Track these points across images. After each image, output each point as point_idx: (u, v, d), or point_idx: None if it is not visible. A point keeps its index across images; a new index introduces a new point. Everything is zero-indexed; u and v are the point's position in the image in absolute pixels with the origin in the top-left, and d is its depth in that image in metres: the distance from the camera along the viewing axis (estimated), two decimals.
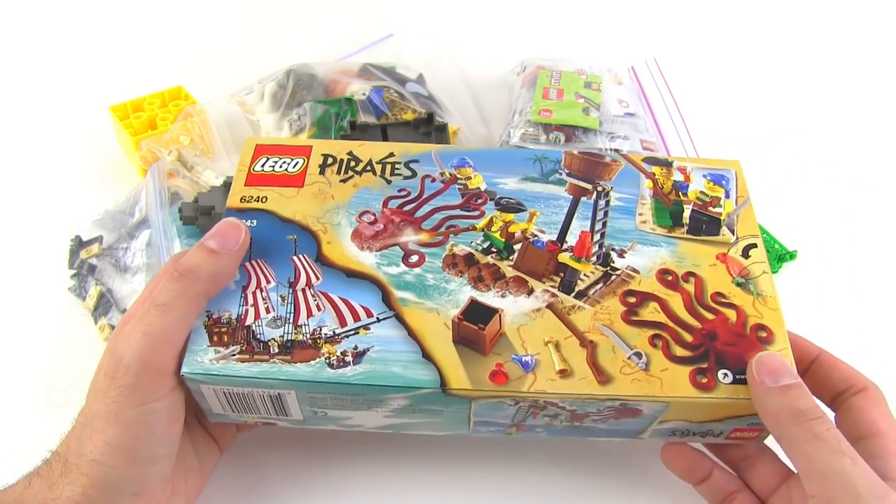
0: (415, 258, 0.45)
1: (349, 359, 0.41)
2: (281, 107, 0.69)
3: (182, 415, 0.41)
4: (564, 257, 0.45)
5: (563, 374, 0.40)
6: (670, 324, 0.43)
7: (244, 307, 0.42)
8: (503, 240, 0.46)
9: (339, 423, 0.44)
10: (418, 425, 0.44)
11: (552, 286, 0.44)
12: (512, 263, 0.45)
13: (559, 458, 0.49)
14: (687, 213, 0.48)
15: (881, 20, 1.01)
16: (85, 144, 0.73)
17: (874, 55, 0.95)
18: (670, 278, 0.44)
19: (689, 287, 0.44)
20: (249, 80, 0.74)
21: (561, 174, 0.49)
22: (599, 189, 0.48)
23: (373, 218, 0.46)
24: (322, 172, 0.49)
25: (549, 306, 0.43)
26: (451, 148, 0.51)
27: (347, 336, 0.42)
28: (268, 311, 0.42)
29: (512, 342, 0.42)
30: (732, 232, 0.47)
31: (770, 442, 0.43)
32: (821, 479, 0.36)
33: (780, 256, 0.65)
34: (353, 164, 0.49)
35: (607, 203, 0.48)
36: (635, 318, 0.43)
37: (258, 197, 0.47)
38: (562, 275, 0.44)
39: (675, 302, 0.43)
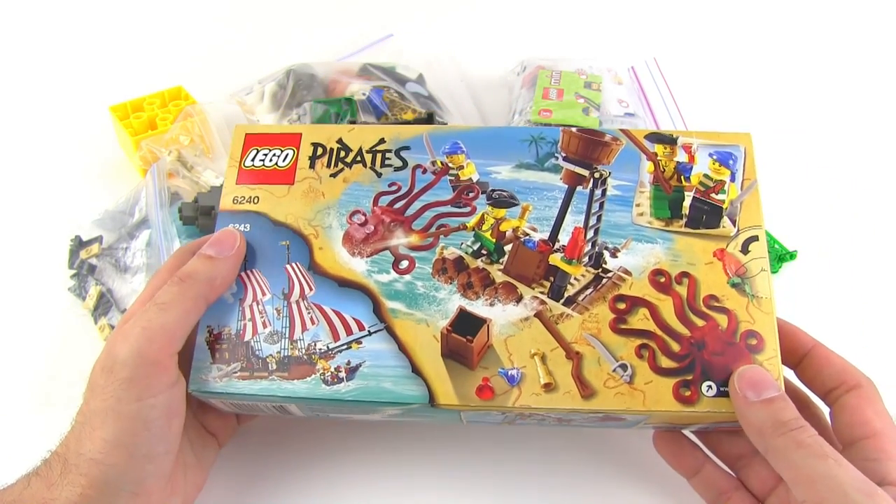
0: (405, 264, 0.45)
1: (343, 375, 0.43)
2: (281, 107, 0.68)
3: (182, 412, 0.41)
4: (556, 259, 0.45)
5: (548, 387, 0.42)
6: (658, 332, 0.43)
7: (242, 322, 0.44)
8: (494, 240, 0.45)
9: (340, 419, 0.47)
10: (414, 421, 0.46)
11: (541, 292, 0.44)
12: (502, 268, 0.45)
13: (557, 446, 0.50)
14: (687, 202, 0.46)
15: (881, 20, 1.00)
16: (85, 144, 0.73)
17: (874, 55, 0.93)
18: (663, 280, 0.44)
19: (682, 290, 0.44)
20: (249, 80, 0.74)
21: (557, 158, 0.47)
22: (597, 176, 0.47)
23: (363, 219, 0.46)
24: (312, 166, 0.48)
25: (538, 315, 0.43)
26: (444, 129, 0.49)
27: (340, 351, 0.43)
28: (265, 325, 0.44)
29: (499, 355, 0.43)
30: (734, 223, 0.45)
31: None
32: (808, 484, 0.37)
33: (780, 256, 0.63)
34: (342, 154, 0.48)
35: (604, 193, 0.46)
36: (623, 327, 0.43)
37: (250, 197, 0.47)
38: (552, 279, 0.44)
39: (666, 307, 0.43)
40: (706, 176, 0.46)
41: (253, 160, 0.48)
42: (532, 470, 0.48)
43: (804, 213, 0.68)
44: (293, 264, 0.45)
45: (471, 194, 0.47)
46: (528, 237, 0.45)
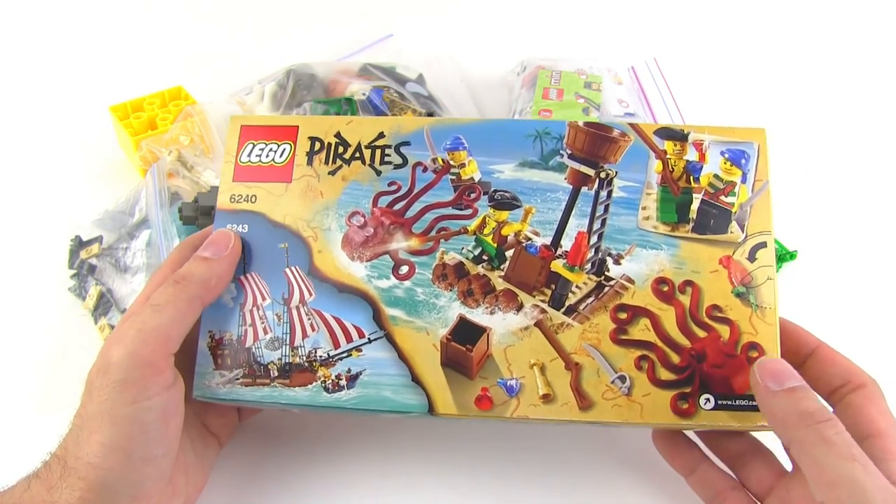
0: (405, 269, 0.45)
1: (343, 382, 0.43)
2: (281, 107, 0.67)
3: (180, 415, 0.41)
4: (557, 266, 0.44)
5: (546, 398, 0.42)
6: (659, 343, 0.42)
7: (243, 327, 0.44)
8: (495, 245, 0.45)
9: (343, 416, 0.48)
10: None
11: (542, 300, 0.44)
12: (503, 274, 0.44)
13: (556, 444, 0.50)
14: (695, 206, 0.44)
15: (881, 21, 1.00)
16: (85, 144, 0.72)
17: (874, 56, 0.94)
18: (666, 289, 0.43)
19: (685, 299, 0.43)
20: (249, 80, 0.73)
21: (562, 156, 0.46)
22: (602, 176, 0.45)
23: (363, 220, 0.45)
24: (310, 162, 0.47)
25: (538, 324, 0.43)
26: (445, 122, 0.47)
27: (341, 358, 0.44)
28: (265, 331, 0.44)
29: (498, 364, 0.43)
30: (742, 228, 0.44)
31: (764, 439, 0.45)
32: (830, 486, 0.36)
33: (780, 256, 0.63)
34: (341, 149, 0.47)
35: (609, 195, 0.45)
36: (624, 337, 0.43)
37: (247, 196, 0.46)
38: (553, 286, 0.44)
39: (668, 317, 0.43)
40: (716, 176, 0.45)
41: (249, 155, 0.47)
42: (532, 468, 0.48)
43: (804, 213, 0.68)
44: (292, 268, 0.45)
45: (472, 195, 0.45)
46: (530, 242, 0.45)
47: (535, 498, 0.47)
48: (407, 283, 0.44)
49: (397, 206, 0.46)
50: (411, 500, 0.47)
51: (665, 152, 0.45)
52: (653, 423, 0.42)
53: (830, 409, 0.42)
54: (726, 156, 0.45)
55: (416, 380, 0.43)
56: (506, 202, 0.45)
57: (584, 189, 0.45)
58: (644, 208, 0.45)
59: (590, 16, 0.99)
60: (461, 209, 0.45)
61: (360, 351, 0.43)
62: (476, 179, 0.46)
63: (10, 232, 0.66)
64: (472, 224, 0.45)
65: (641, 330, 0.43)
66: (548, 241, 0.44)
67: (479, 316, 0.44)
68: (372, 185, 0.46)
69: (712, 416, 0.41)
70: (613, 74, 0.75)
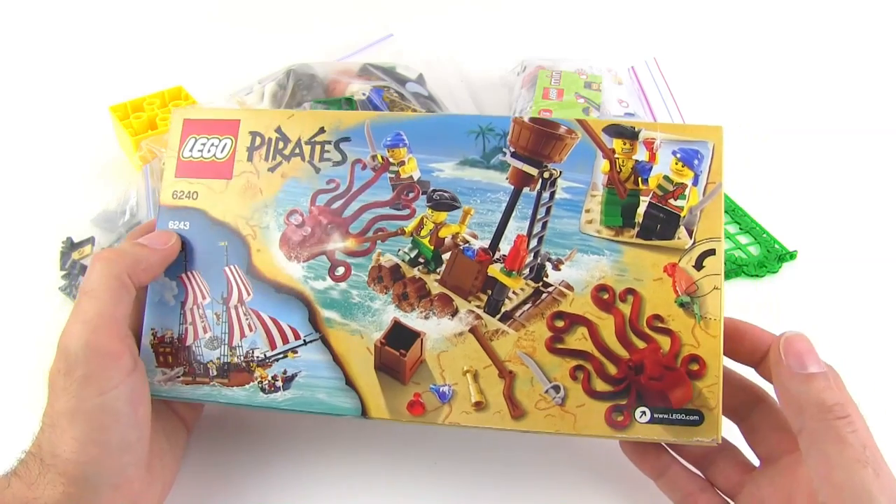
0: (341, 270, 0.44)
1: (279, 384, 0.43)
2: (281, 107, 0.66)
3: (146, 398, 0.41)
4: (494, 270, 0.43)
5: (479, 406, 0.42)
6: (596, 353, 0.41)
7: (184, 326, 0.45)
8: (432, 247, 0.43)
9: None
10: None
11: (478, 306, 0.43)
12: (439, 278, 0.43)
13: (521, 447, 0.49)
14: (642, 209, 0.42)
15: (881, 21, 1.00)
16: (85, 144, 0.73)
17: (874, 55, 0.94)
18: (606, 297, 0.42)
19: (626, 308, 0.41)
20: (249, 80, 0.73)
21: (505, 154, 0.44)
22: (546, 176, 0.43)
23: (300, 219, 0.45)
24: (250, 158, 0.46)
25: (472, 330, 0.42)
26: (387, 117, 0.46)
27: (277, 359, 0.44)
28: (205, 330, 0.45)
29: (431, 370, 0.42)
30: (690, 234, 0.42)
31: (727, 435, 0.43)
32: (836, 489, 0.35)
33: (780, 256, 0.62)
34: (280, 145, 0.46)
35: (552, 196, 0.43)
36: (560, 346, 0.41)
37: (189, 192, 0.46)
38: (489, 292, 0.43)
39: (606, 327, 0.41)
40: (666, 178, 0.42)
41: (191, 150, 0.46)
42: (497, 471, 0.48)
43: (804, 213, 0.67)
44: (231, 266, 0.45)
45: (411, 194, 0.44)
46: (467, 245, 0.43)
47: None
48: (342, 285, 0.44)
49: (335, 205, 0.45)
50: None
51: (613, 151, 0.43)
52: (586, 434, 0.41)
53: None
54: (678, 155, 0.42)
55: (349, 383, 0.43)
56: (444, 203, 0.44)
57: (525, 190, 0.43)
58: (588, 211, 0.43)
59: (590, 16, 0.99)
60: (399, 209, 0.44)
61: (296, 353, 0.43)
62: (415, 178, 0.44)
63: (10, 232, 0.67)
64: (410, 225, 0.44)
65: (578, 339, 0.41)
66: (486, 244, 0.43)
67: (413, 320, 0.43)
68: (310, 183, 0.45)
69: (647, 429, 0.40)
70: (613, 74, 0.75)
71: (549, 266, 0.42)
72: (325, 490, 0.47)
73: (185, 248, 0.45)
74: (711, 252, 0.41)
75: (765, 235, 0.65)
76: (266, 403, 0.43)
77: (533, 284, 0.42)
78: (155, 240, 0.44)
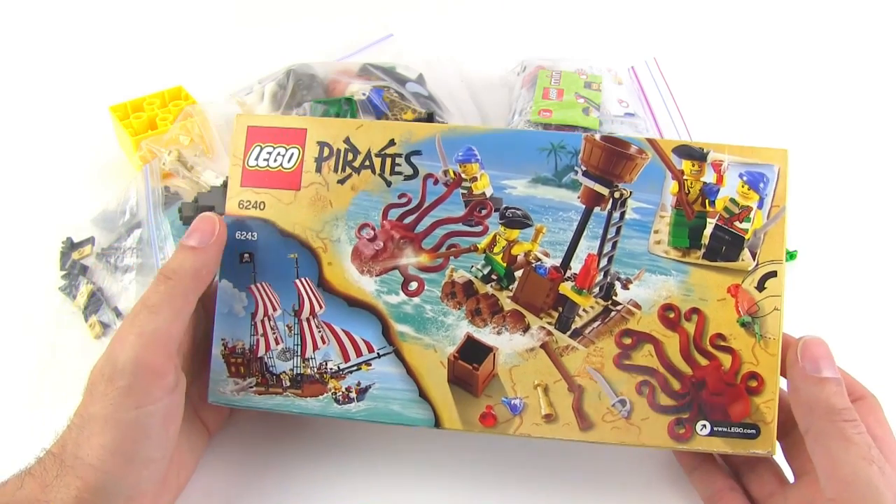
0: (414, 285, 0.45)
1: (353, 395, 0.45)
2: (281, 107, 0.66)
3: (179, 417, 0.42)
4: (566, 288, 0.44)
5: (548, 418, 0.44)
6: (661, 370, 0.43)
7: (255, 337, 0.45)
8: (504, 264, 0.45)
9: None
10: None
11: (549, 322, 0.44)
12: (511, 295, 0.44)
13: (552, 448, 0.50)
14: (708, 231, 0.44)
15: (881, 20, 1.01)
16: (85, 144, 0.72)
17: (874, 55, 0.95)
18: (672, 316, 0.44)
19: (690, 327, 0.43)
20: (249, 80, 0.73)
21: (576, 173, 0.44)
22: (616, 196, 0.44)
23: (372, 233, 0.45)
24: (318, 169, 0.46)
25: (544, 346, 0.44)
26: (458, 130, 0.46)
27: (351, 372, 0.45)
28: (277, 342, 0.45)
29: (503, 384, 0.44)
30: (754, 256, 0.43)
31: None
32: (843, 484, 0.36)
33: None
34: (350, 156, 0.46)
35: (622, 216, 0.44)
36: (627, 362, 0.44)
37: (256, 202, 0.46)
38: (560, 309, 0.44)
39: (671, 344, 0.43)
40: (732, 200, 0.44)
41: (257, 159, 0.46)
42: (531, 468, 0.50)
43: (804, 213, 0.66)
44: (302, 279, 0.45)
45: (483, 211, 0.45)
46: (539, 263, 0.44)
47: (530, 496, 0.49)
48: (416, 300, 0.45)
49: (407, 220, 0.45)
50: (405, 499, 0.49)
51: (682, 172, 0.44)
52: (649, 445, 0.43)
53: None
54: (744, 178, 0.44)
55: (423, 395, 0.44)
56: (517, 220, 0.45)
57: (596, 209, 0.44)
58: (656, 232, 0.44)
59: (590, 16, 0.98)
60: (472, 226, 0.45)
61: (370, 365, 0.45)
62: (488, 195, 0.45)
63: (10, 232, 0.66)
64: (483, 242, 0.45)
65: (645, 356, 0.44)
66: (557, 262, 0.44)
67: (486, 335, 0.44)
68: (382, 197, 0.45)
69: (707, 441, 0.43)
70: (613, 74, 0.75)
71: (618, 285, 0.44)
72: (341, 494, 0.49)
73: (254, 259, 0.46)
74: (773, 274, 0.44)
75: None
76: (340, 414, 0.45)
77: (602, 303, 0.44)
78: (202, 233, 0.43)
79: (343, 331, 0.45)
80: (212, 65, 0.86)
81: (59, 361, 0.56)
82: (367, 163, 0.46)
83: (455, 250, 0.45)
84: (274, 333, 0.46)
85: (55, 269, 0.62)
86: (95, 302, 0.58)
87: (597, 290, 0.44)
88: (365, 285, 0.45)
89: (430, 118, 0.64)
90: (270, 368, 0.45)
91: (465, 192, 0.45)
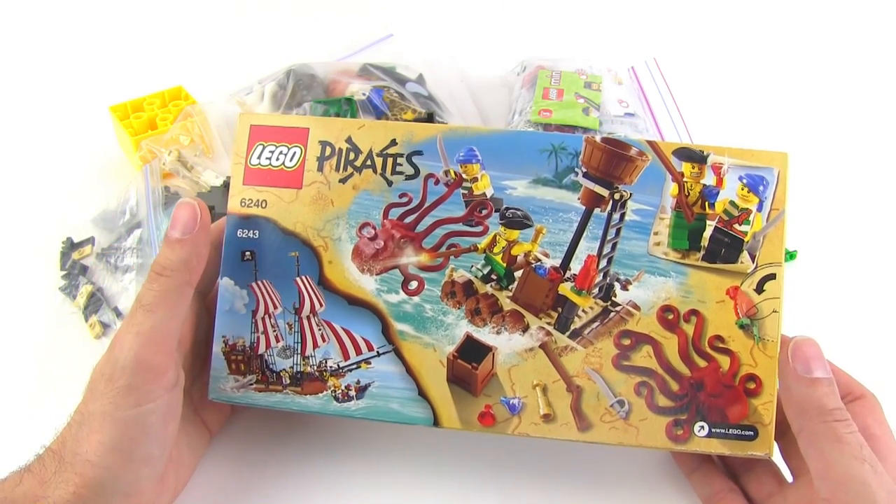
0: (414, 284, 0.45)
1: (353, 393, 0.45)
2: (281, 107, 0.66)
3: (178, 414, 0.42)
4: (565, 289, 0.44)
5: (547, 418, 0.44)
6: (660, 371, 0.44)
7: (255, 335, 0.46)
8: (504, 265, 0.45)
9: None
10: None
11: (548, 323, 0.44)
12: (511, 295, 0.45)
13: (551, 448, 0.50)
14: (708, 233, 0.44)
15: (881, 20, 1.01)
16: (85, 144, 0.72)
17: (873, 55, 0.95)
18: (671, 317, 0.44)
19: (689, 328, 0.44)
20: (249, 80, 0.73)
21: (577, 174, 0.45)
22: (616, 197, 0.44)
23: (373, 233, 0.45)
24: (320, 168, 0.46)
25: (543, 346, 0.44)
26: (459, 131, 0.46)
27: (351, 370, 0.45)
28: (277, 339, 0.46)
29: (502, 383, 0.44)
30: (753, 258, 0.44)
31: None
32: (836, 483, 0.37)
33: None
34: (352, 156, 0.46)
35: (622, 218, 0.44)
36: (626, 363, 0.44)
37: (258, 201, 0.46)
38: (560, 310, 0.44)
39: (670, 346, 0.44)
40: (732, 203, 0.44)
41: (259, 158, 0.46)
42: (532, 468, 0.50)
43: (804, 213, 0.66)
44: (303, 277, 0.46)
45: (484, 211, 0.45)
46: (539, 263, 0.45)
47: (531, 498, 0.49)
48: (416, 299, 0.45)
49: (408, 220, 0.45)
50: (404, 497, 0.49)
51: (682, 175, 0.44)
52: (647, 446, 0.43)
53: None
54: (744, 181, 0.44)
55: (422, 394, 0.44)
56: (517, 221, 0.45)
57: (596, 210, 0.44)
58: (656, 233, 0.44)
59: (590, 16, 0.98)
60: (472, 226, 0.45)
61: (369, 364, 0.45)
62: (488, 195, 0.45)
63: (9, 231, 0.66)
64: (483, 242, 0.45)
65: (643, 357, 0.44)
66: (557, 263, 0.44)
67: (485, 335, 0.45)
68: (383, 196, 0.46)
69: (705, 443, 0.43)
70: (613, 74, 0.75)
71: (617, 286, 0.44)
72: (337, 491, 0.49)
73: (255, 257, 0.46)
74: (772, 276, 0.44)
75: None
76: (340, 412, 0.45)
77: (602, 304, 0.44)
78: (184, 222, 0.42)
79: (343, 329, 0.45)
80: (212, 65, 0.86)
81: (59, 361, 0.56)
82: (368, 162, 0.46)
83: (455, 250, 0.45)
84: (274, 331, 0.46)
85: (55, 269, 0.62)
86: (95, 302, 0.58)
87: (596, 290, 0.44)
88: (365, 284, 0.45)
89: (430, 118, 0.65)
90: (271, 366, 0.45)
91: (465, 192, 0.45)
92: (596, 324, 0.44)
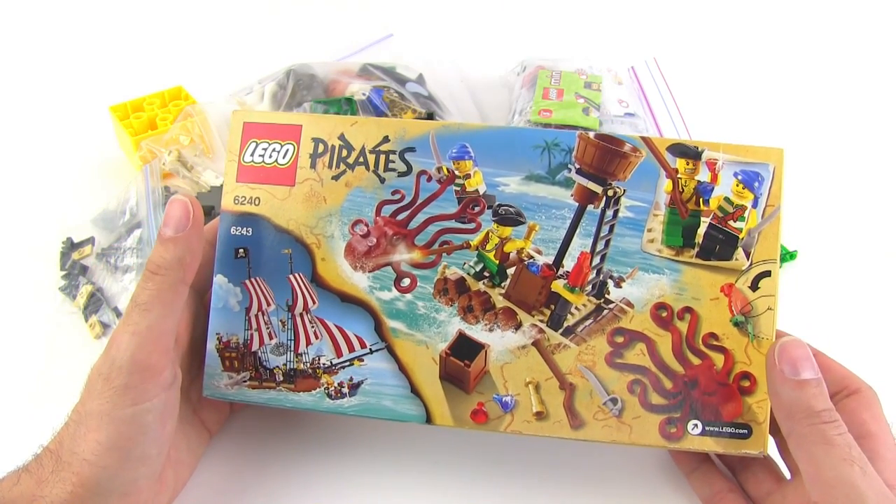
0: (407, 282, 0.45)
1: (345, 390, 0.45)
2: (281, 107, 0.66)
3: (176, 413, 0.42)
4: (558, 286, 0.44)
5: (539, 416, 0.44)
6: (653, 368, 0.43)
7: (249, 332, 0.46)
8: (497, 262, 0.45)
9: None
10: None
11: (541, 320, 0.44)
12: (503, 292, 0.44)
13: (552, 448, 0.50)
14: (702, 230, 0.44)
15: (881, 20, 1.02)
16: (85, 144, 0.72)
17: (873, 55, 0.95)
18: (665, 315, 0.43)
19: (683, 326, 0.43)
20: (249, 80, 0.74)
21: (570, 170, 0.45)
22: (610, 194, 0.44)
23: (365, 230, 0.45)
24: (313, 165, 0.46)
25: (535, 344, 0.44)
26: (452, 127, 0.46)
27: (344, 367, 0.45)
28: (270, 336, 0.46)
29: (495, 380, 0.44)
30: (748, 255, 0.43)
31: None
32: (826, 486, 0.36)
33: (780, 257, 0.62)
34: (344, 153, 0.46)
35: (615, 214, 0.44)
36: (619, 361, 0.43)
37: (251, 198, 0.46)
38: (553, 307, 0.44)
39: (664, 343, 0.43)
40: (727, 199, 0.44)
41: (252, 155, 0.46)
42: (529, 468, 0.50)
43: (804, 213, 0.67)
44: (296, 275, 0.46)
45: (476, 208, 0.45)
46: (532, 261, 0.44)
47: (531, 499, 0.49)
48: (408, 296, 0.45)
49: (400, 217, 0.45)
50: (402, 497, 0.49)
51: (676, 171, 0.44)
52: (640, 444, 0.43)
53: None
54: (739, 177, 0.44)
55: (415, 391, 0.44)
56: (510, 218, 0.45)
57: (590, 207, 0.44)
58: (650, 230, 0.44)
59: (590, 16, 0.99)
60: (464, 222, 0.45)
61: (362, 361, 0.45)
62: (481, 192, 0.45)
63: (9, 231, 0.66)
64: (475, 239, 0.45)
65: (637, 354, 0.43)
66: (550, 260, 0.44)
67: (478, 332, 0.44)
68: (375, 193, 0.46)
69: (699, 441, 0.43)
70: (613, 74, 0.75)
71: (610, 283, 0.44)
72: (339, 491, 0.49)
73: (249, 254, 0.46)
74: (767, 274, 0.43)
75: None
76: (332, 409, 0.45)
77: (595, 301, 0.44)
78: (177, 220, 0.42)
79: (336, 326, 0.45)
80: (212, 65, 0.86)
81: (59, 361, 0.56)
82: (361, 159, 0.46)
83: (448, 247, 0.45)
84: (268, 328, 0.46)
85: (55, 269, 0.62)
86: (95, 302, 0.59)
87: (589, 288, 0.44)
88: (358, 281, 0.45)
89: (429, 118, 0.65)
90: (264, 363, 0.45)
91: (458, 189, 0.45)
92: (589, 321, 0.44)
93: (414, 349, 0.44)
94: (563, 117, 0.67)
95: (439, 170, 0.45)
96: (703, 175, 0.44)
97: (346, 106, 0.65)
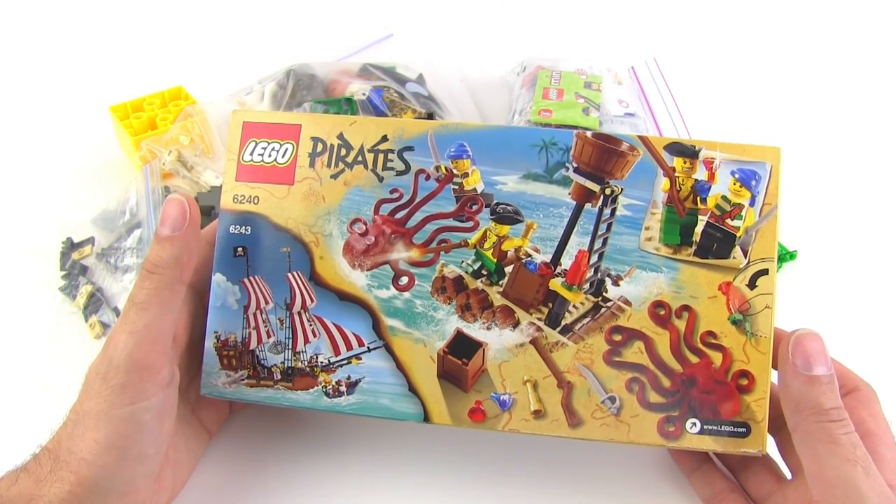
0: (405, 280, 0.45)
1: (343, 389, 0.45)
2: (281, 107, 0.67)
3: (174, 412, 0.42)
4: (556, 284, 0.44)
5: (537, 414, 0.44)
6: (651, 367, 0.43)
7: (247, 330, 0.46)
8: (495, 260, 0.45)
9: None
10: None
11: (539, 318, 0.44)
12: (501, 290, 0.45)
13: (552, 448, 0.50)
14: (699, 228, 0.44)
15: (881, 19, 1.02)
16: (85, 144, 0.73)
17: (873, 55, 0.95)
18: (662, 313, 0.43)
19: (681, 324, 0.43)
20: (249, 80, 0.74)
21: (568, 169, 0.45)
22: (607, 192, 0.44)
23: (364, 228, 0.45)
24: (312, 164, 0.46)
25: (533, 342, 0.44)
26: (450, 127, 0.46)
27: (341, 365, 0.45)
28: (268, 335, 0.46)
29: (493, 379, 0.44)
30: (745, 253, 0.43)
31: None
32: (828, 485, 0.36)
33: (779, 256, 0.61)
34: (343, 152, 0.46)
35: (613, 213, 0.44)
36: (617, 359, 0.43)
37: (250, 197, 0.46)
38: (550, 305, 0.44)
39: (662, 342, 0.43)
40: (724, 198, 0.44)
41: (252, 154, 0.47)
42: (527, 467, 0.50)
43: (804, 213, 0.68)
44: (294, 273, 0.46)
45: (474, 207, 0.45)
46: (529, 259, 0.45)
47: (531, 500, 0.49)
48: (406, 295, 0.45)
49: (399, 215, 0.45)
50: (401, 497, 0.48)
51: (674, 169, 0.44)
52: (638, 442, 0.43)
53: None
54: (736, 176, 0.44)
55: (412, 390, 0.44)
56: (508, 216, 0.45)
57: (587, 206, 0.44)
58: (647, 228, 0.44)
59: (590, 16, 0.99)
60: (462, 221, 0.45)
61: (360, 359, 0.45)
62: (479, 190, 0.45)
63: (9, 231, 0.66)
64: (473, 237, 0.45)
65: (635, 353, 0.43)
66: (548, 258, 0.44)
67: (475, 331, 0.44)
68: (374, 192, 0.46)
69: (697, 439, 0.43)
70: (613, 74, 0.75)
71: (608, 281, 0.44)
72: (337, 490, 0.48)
73: (247, 252, 0.46)
74: (765, 272, 0.43)
75: None
76: (330, 407, 0.45)
77: (592, 299, 0.44)
78: (174, 219, 0.42)
79: (334, 325, 0.45)
80: (212, 65, 0.87)
81: (59, 361, 0.56)
82: (359, 158, 0.46)
83: (445, 245, 0.45)
84: (266, 326, 0.46)
85: (55, 269, 0.63)
86: (95, 302, 0.59)
87: (587, 286, 0.44)
88: (356, 280, 0.45)
89: (430, 118, 0.65)
90: (262, 361, 0.46)
91: (456, 187, 0.45)
92: (587, 319, 0.44)
93: (412, 347, 0.44)
94: (563, 117, 0.67)
95: (437, 169, 0.45)
96: (701, 174, 0.44)
97: (346, 106, 0.65)
